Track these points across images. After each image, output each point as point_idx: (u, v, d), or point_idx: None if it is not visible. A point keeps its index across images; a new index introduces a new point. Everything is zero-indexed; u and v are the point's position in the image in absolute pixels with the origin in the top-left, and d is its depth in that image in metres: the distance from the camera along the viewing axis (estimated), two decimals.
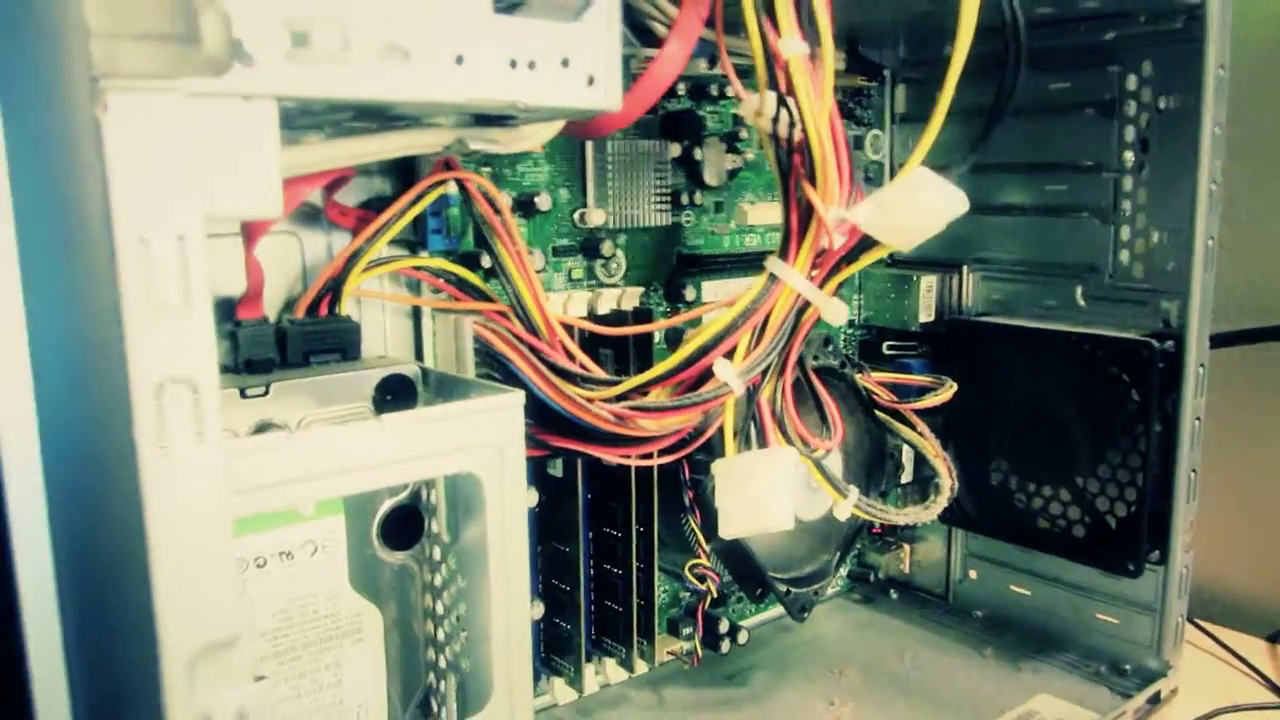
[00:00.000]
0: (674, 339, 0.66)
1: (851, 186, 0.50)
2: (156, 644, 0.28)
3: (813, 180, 0.48)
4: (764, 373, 0.50)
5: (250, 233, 0.47)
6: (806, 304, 0.50)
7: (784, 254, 0.50)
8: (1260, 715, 0.68)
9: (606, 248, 0.64)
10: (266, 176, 0.33)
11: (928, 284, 0.79)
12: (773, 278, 0.50)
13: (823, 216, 0.48)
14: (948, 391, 0.67)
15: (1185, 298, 0.66)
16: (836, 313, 0.50)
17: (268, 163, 0.33)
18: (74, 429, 0.27)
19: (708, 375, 0.50)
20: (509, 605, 0.48)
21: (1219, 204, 0.66)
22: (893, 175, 0.82)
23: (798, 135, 0.49)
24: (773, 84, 0.48)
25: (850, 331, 0.83)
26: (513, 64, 0.38)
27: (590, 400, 0.52)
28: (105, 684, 0.27)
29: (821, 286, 0.50)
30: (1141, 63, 0.68)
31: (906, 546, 0.87)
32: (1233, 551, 0.88)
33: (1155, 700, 0.70)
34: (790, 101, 0.48)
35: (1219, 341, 0.83)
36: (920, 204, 0.46)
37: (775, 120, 0.50)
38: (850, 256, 0.50)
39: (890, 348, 0.81)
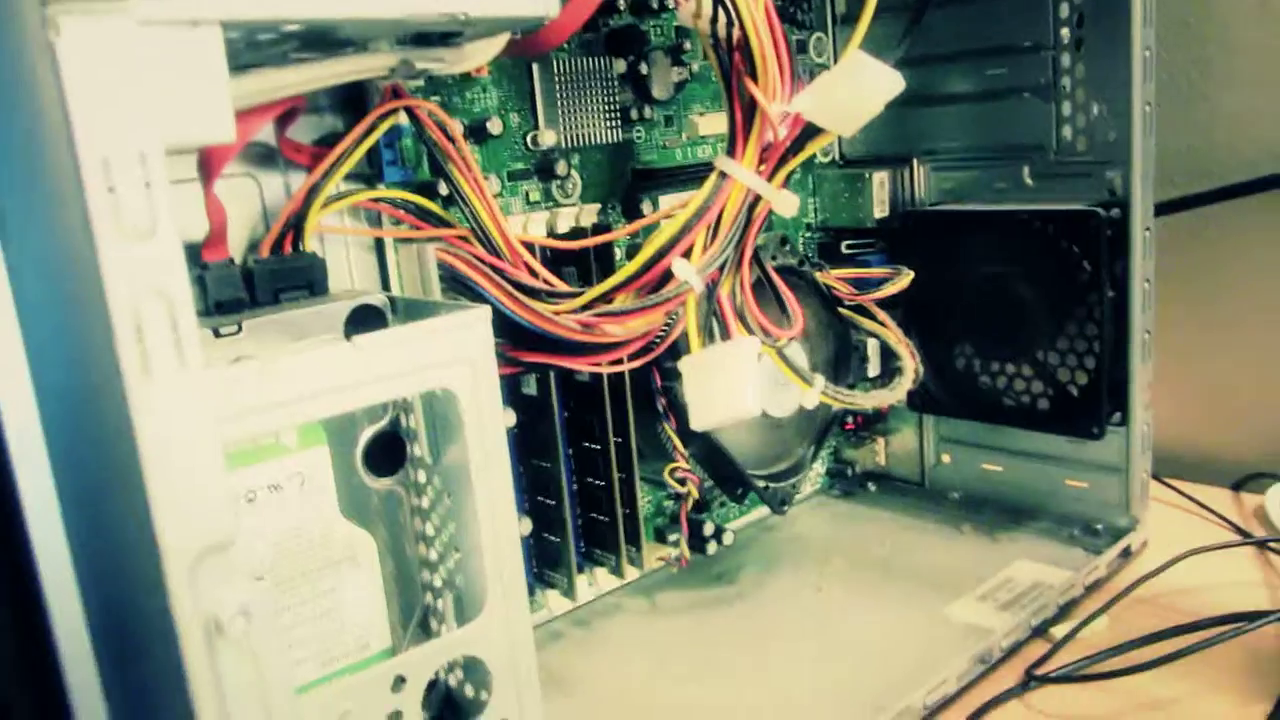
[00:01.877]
0: (634, 252, 0.67)
1: (793, 79, 0.51)
2: (158, 551, 0.29)
3: (754, 76, 0.49)
4: (722, 268, 0.52)
5: (208, 170, 0.47)
6: (758, 198, 0.52)
7: (731, 151, 0.51)
8: (1225, 553, 0.71)
9: (561, 168, 0.65)
10: (218, 101, 0.33)
11: (879, 180, 0.80)
12: (722, 175, 0.51)
13: (766, 109, 0.49)
14: (905, 279, 0.68)
15: (1127, 166, 0.68)
16: (787, 204, 0.51)
17: (218, 88, 0.33)
18: (60, 354, 0.28)
19: (668, 276, 0.51)
20: (496, 518, 0.50)
21: (1153, 70, 0.67)
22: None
23: (736, 34, 0.50)
24: None
25: (809, 235, 0.84)
26: None
27: (557, 314, 0.53)
28: (115, 591, 0.29)
29: (770, 179, 0.51)
30: None
31: (880, 439, 0.89)
32: (1195, 409, 0.91)
33: (1126, 554, 0.73)
34: (726, 1, 0.49)
35: (1166, 209, 0.86)
36: (858, 85, 0.47)
37: (714, 21, 0.51)
38: (796, 147, 0.51)
39: (849, 246, 0.82)
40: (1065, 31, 0.71)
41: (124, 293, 0.28)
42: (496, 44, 0.48)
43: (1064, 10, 0.71)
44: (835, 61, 0.84)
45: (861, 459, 0.90)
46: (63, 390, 0.29)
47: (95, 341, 0.28)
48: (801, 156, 0.51)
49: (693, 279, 0.50)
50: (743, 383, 0.49)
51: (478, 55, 0.47)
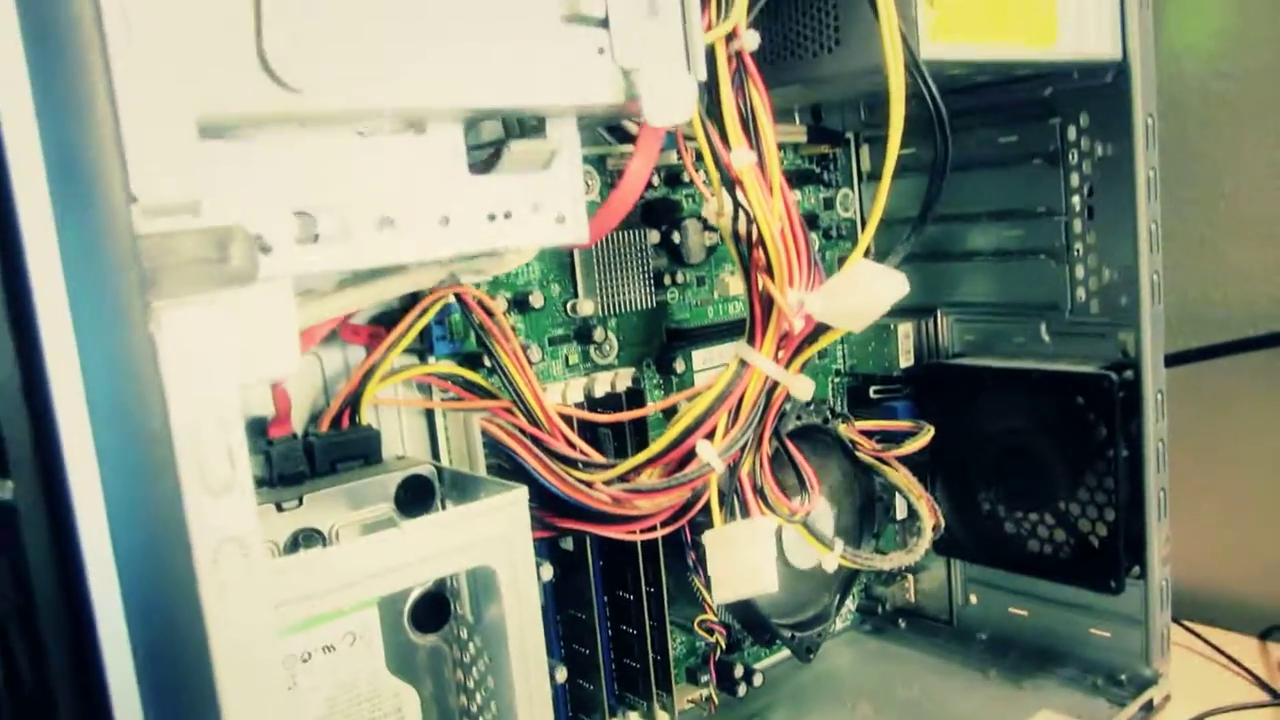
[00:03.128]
0: (672, 409, 0.72)
1: (809, 273, 0.55)
2: None
3: (771, 274, 0.54)
4: (742, 449, 0.56)
5: None
6: (776, 383, 0.56)
7: (751, 340, 0.56)
8: (1247, 714, 0.72)
9: (598, 334, 0.69)
10: (286, 342, 0.39)
11: (905, 331, 0.84)
12: (743, 363, 0.55)
13: (782, 306, 0.53)
14: (925, 437, 0.72)
15: (1138, 330, 0.71)
16: (803, 389, 0.55)
17: (286, 330, 0.39)
18: (148, 580, 0.33)
19: (692, 455, 0.56)
20: (529, 675, 0.54)
21: (1160, 241, 0.71)
22: (864, 229, 0.87)
23: (755, 233, 0.55)
24: (729, 189, 0.54)
25: (838, 380, 0.88)
26: (491, 216, 0.44)
27: (590, 484, 0.57)
28: None
29: (787, 366, 0.56)
30: (1079, 115, 0.74)
31: (910, 576, 0.91)
32: (1222, 555, 0.92)
33: (1149, 708, 0.74)
34: (746, 205, 0.54)
35: (1186, 358, 0.88)
36: (864, 291, 0.51)
37: (735, 220, 0.56)
38: (810, 338, 0.55)
39: (876, 392, 0.86)
40: (1076, 200, 0.75)
41: (205, 537, 0.32)
42: (532, 250, 0.53)
43: (1075, 180, 0.75)
44: (861, 214, 0.88)
45: (892, 595, 0.92)
46: (147, 605, 0.33)
47: (178, 570, 0.33)
48: (816, 347, 0.55)
49: (715, 461, 0.54)
50: (761, 561, 0.53)
51: (515, 261, 0.52)
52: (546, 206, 0.45)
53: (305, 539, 0.54)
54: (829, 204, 0.86)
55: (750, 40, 0.52)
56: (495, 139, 0.47)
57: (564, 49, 0.42)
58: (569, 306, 0.69)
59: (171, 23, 0.32)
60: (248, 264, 0.33)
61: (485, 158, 0.45)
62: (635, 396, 0.68)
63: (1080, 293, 0.76)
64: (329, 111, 0.37)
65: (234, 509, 0.33)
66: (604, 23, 0.42)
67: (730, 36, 0.52)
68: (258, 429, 0.57)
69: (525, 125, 0.45)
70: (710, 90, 0.52)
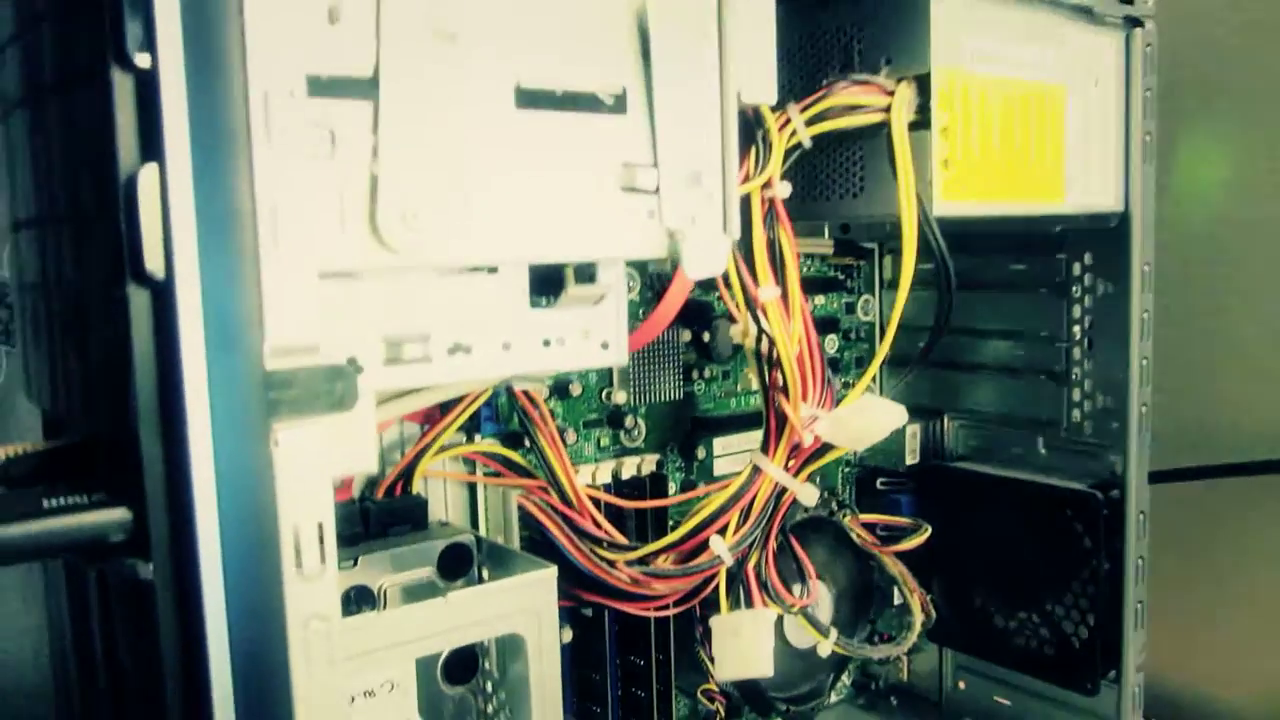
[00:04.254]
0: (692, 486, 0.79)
1: (821, 394, 0.62)
2: None
3: (786, 394, 0.61)
4: (750, 545, 0.62)
5: None
6: (784, 488, 0.63)
7: (765, 449, 0.63)
8: None
9: (629, 420, 0.77)
10: (367, 444, 0.46)
11: (913, 430, 0.91)
12: (756, 469, 0.62)
13: (794, 423, 0.61)
14: (922, 536, 0.78)
15: (1125, 455, 0.78)
16: (809, 496, 0.62)
17: (368, 434, 0.46)
18: (253, 645, 0.40)
19: (705, 546, 0.63)
20: None
21: (1150, 374, 0.77)
22: (883, 334, 0.94)
23: (775, 354, 0.62)
24: (753, 315, 0.61)
25: (848, 469, 0.95)
26: (546, 343, 0.51)
27: (613, 563, 0.64)
28: None
29: (796, 475, 0.63)
30: (1084, 253, 0.80)
31: (905, 657, 0.97)
32: (1197, 662, 0.97)
33: None
34: (768, 332, 0.61)
35: (1176, 476, 0.94)
36: (866, 420, 0.59)
37: (758, 341, 0.63)
38: (818, 453, 0.62)
39: (882, 484, 0.92)
40: (1078, 329, 0.81)
41: (297, 614, 0.40)
42: None
43: (1077, 311, 0.81)
44: (880, 319, 0.95)
45: (886, 674, 0.98)
46: (249, 666, 0.41)
47: (276, 641, 0.40)
48: (823, 461, 0.62)
49: (725, 555, 0.61)
50: (760, 649, 0.60)
51: (557, 371, 0.60)
52: (594, 334, 0.53)
53: (358, 597, 0.62)
54: (850, 309, 0.93)
55: (782, 190, 0.60)
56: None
57: (620, 212, 0.49)
58: (604, 394, 0.77)
59: (303, 200, 0.40)
60: (350, 395, 0.40)
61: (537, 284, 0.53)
62: (659, 481, 0.75)
63: (1076, 413, 0.82)
64: (422, 266, 0.45)
65: (322, 591, 0.40)
66: (655, 191, 0.49)
67: (765, 185, 0.60)
68: None
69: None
70: (743, 231, 0.59)
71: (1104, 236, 0.78)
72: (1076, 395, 0.82)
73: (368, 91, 0.42)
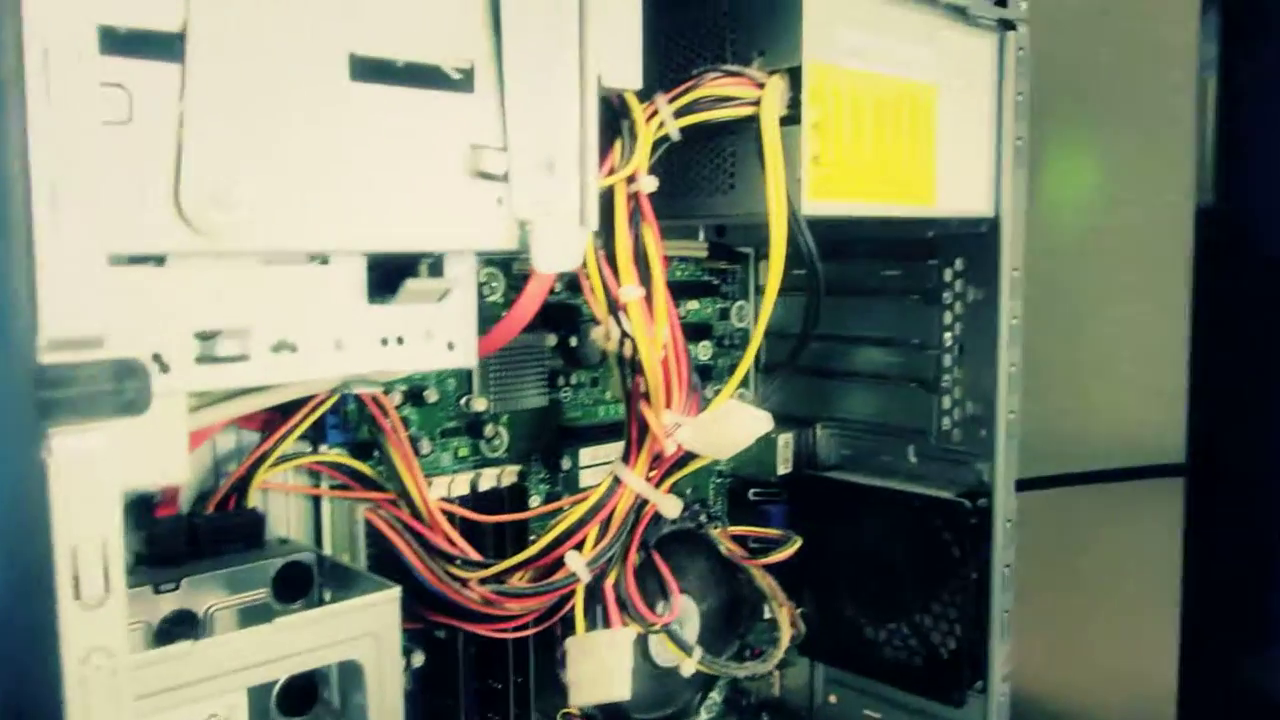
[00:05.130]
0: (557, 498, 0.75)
1: (685, 401, 0.59)
2: None
3: (648, 400, 0.58)
4: (609, 561, 0.59)
5: None
6: (646, 500, 0.59)
7: (626, 459, 0.59)
8: None
9: (489, 429, 0.73)
10: (176, 453, 0.41)
11: (785, 440, 0.89)
12: (616, 480, 0.59)
13: (656, 431, 0.57)
14: (791, 548, 0.76)
15: (993, 464, 0.77)
16: (671, 508, 0.59)
17: (177, 443, 0.41)
18: (22, 687, 0.35)
19: (562, 562, 0.59)
20: None
21: (1019, 383, 0.77)
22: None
23: (637, 358, 0.58)
24: (616, 317, 0.58)
25: (719, 481, 0.92)
26: (384, 341, 0.47)
27: (465, 582, 0.60)
28: None
29: (658, 485, 0.59)
30: (955, 259, 0.80)
31: (776, 672, 0.95)
32: (1063, 669, 0.98)
33: None
34: (631, 336, 0.57)
35: (1040, 484, 0.95)
36: (730, 427, 0.56)
37: (621, 345, 0.60)
38: (681, 463, 0.59)
39: (754, 494, 0.90)
40: (948, 336, 0.81)
41: (74, 649, 0.34)
42: None
43: (948, 318, 0.81)
44: (755, 324, 0.93)
45: (758, 689, 0.96)
46: (20, 705, 0.35)
47: (48, 681, 0.35)
48: (685, 471, 0.59)
49: (582, 571, 0.58)
50: (616, 671, 0.56)
51: (405, 371, 0.55)
52: (438, 334, 0.48)
53: (179, 622, 0.56)
54: (724, 314, 0.91)
55: (648, 184, 0.57)
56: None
57: (466, 199, 0.45)
58: (463, 401, 0.72)
59: (92, 172, 0.34)
60: (143, 396, 0.35)
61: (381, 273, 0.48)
62: (518, 493, 0.71)
63: (946, 421, 0.81)
64: (237, 251, 0.40)
65: (106, 621, 0.35)
66: (505, 177, 0.46)
67: (630, 179, 0.56)
68: (145, 506, 0.59)
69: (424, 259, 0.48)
70: (605, 227, 0.56)
71: (975, 242, 0.77)
72: (947, 403, 0.81)
73: (173, 50, 0.37)
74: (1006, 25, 0.71)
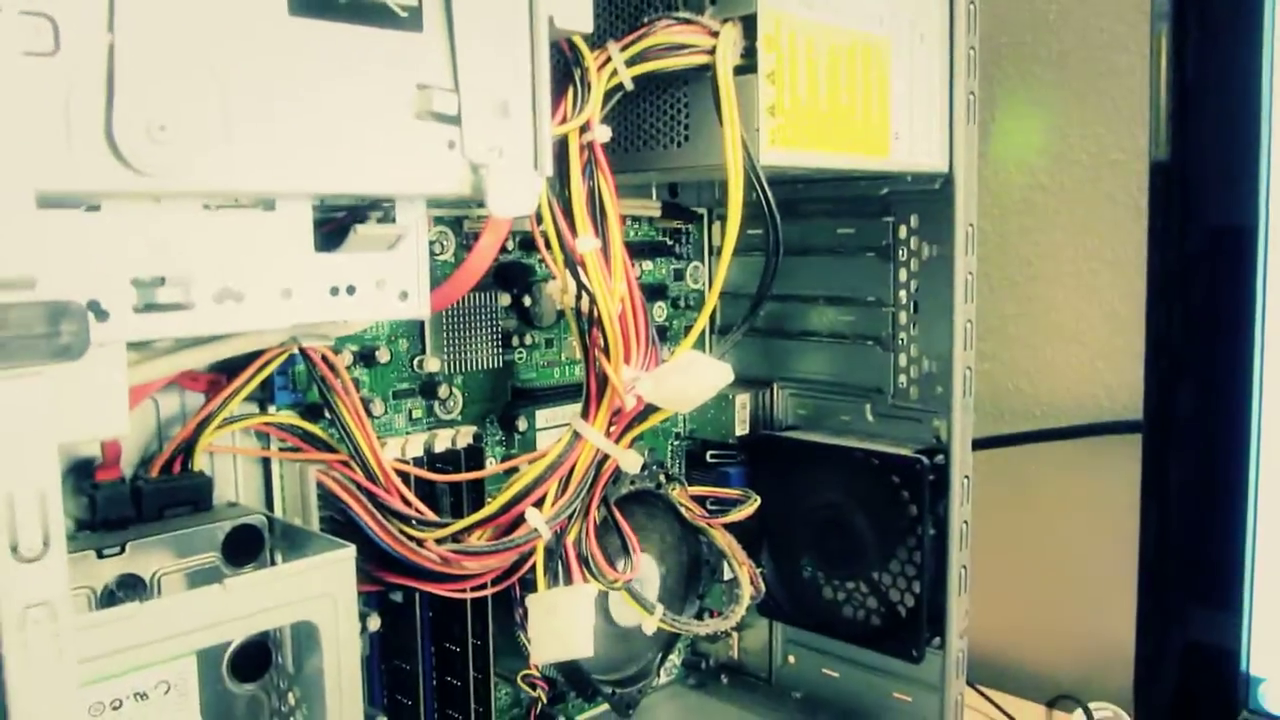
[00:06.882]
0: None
1: (645, 354, 0.58)
2: None
3: (607, 353, 0.57)
4: (570, 517, 0.58)
5: None
6: (606, 456, 0.59)
7: (585, 414, 0.58)
8: None
9: (443, 390, 0.71)
10: (116, 405, 0.39)
11: (742, 401, 0.88)
12: (576, 435, 0.58)
13: (615, 384, 0.56)
14: (751, 507, 0.76)
15: (949, 419, 0.77)
16: (631, 463, 0.59)
17: (117, 394, 0.39)
18: None
19: (522, 520, 0.58)
20: None
21: (974, 338, 0.77)
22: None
23: (595, 312, 0.57)
24: (572, 270, 0.57)
25: (677, 443, 0.92)
26: (334, 291, 0.45)
27: (421, 542, 0.59)
28: None
29: (618, 441, 0.59)
30: (910, 216, 0.80)
31: (734, 634, 0.95)
32: (1018, 625, 0.99)
33: None
34: (588, 288, 0.56)
35: (994, 442, 0.95)
36: (691, 378, 0.55)
37: (578, 299, 0.59)
38: (641, 416, 0.58)
39: (712, 456, 0.90)
40: (904, 294, 0.81)
41: (12, 604, 0.33)
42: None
43: (903, 275, 0.81)
44: (709, 286, 0.93)
45: (716, 651, 0.96)
46: None
47: None
48: (646, 425, 0.59)
49: (542, 528, 0.57)
50: (578, 628, 0.56)
51: (356, 325, 0.54)
52: (390, 283, 0.47)
53: (125, 587, 0.54)
54: (679, 275, 0.90)
55: (602, 134, 0.56)
56: (347, 205, 0.49)
57: (416, 142, 0.44)
58: (415, 362, 0.71)
59: (14, 103, 0.33)
60: (80, 341, 0.34)
61: (333, 226, 0.47)
62: (474, 454, 0.70)
63: (902, 379, 0.81)
64: (176, 192, 0.38)
65: (45, 575, 0.34)
66: (456, 119, 0.44)
67: (584, 129, 0.55)
68: (85, 471, 0.57)
69: (375, 204, 0.46)
70: (560, 178, 0.55)
71: (929, 198, 0.77)
72: (903, 361, 0.81)
73: None
74: None
